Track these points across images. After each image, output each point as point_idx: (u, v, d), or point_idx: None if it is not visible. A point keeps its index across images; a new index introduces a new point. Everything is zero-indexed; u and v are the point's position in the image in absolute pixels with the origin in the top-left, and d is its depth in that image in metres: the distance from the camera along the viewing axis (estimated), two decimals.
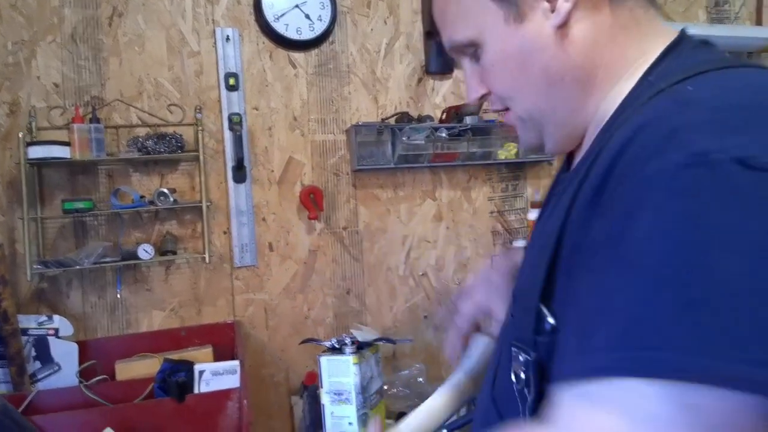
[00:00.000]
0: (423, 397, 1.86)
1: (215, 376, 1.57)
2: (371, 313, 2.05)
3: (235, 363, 1.58)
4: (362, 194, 2.03)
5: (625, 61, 0.63)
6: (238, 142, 1.81)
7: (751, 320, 0.37)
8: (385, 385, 1.86)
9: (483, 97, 0.74)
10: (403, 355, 2.07)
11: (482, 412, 0.70)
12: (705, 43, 0.63)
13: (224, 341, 1.76)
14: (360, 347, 1.55)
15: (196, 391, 1.55)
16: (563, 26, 0.63)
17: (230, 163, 1.85)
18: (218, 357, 1.69)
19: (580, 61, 0.64)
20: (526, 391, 0.58)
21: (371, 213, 2.04)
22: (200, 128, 1.79)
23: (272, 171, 1.93)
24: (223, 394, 1.50)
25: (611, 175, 0.48)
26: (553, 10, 0.63)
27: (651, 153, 0.45)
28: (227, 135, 1.85)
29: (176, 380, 1.52)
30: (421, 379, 1.94)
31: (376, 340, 1.63)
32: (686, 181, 0.42)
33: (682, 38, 0.63)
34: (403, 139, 1.92)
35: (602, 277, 0.45)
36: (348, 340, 1.54)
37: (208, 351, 1.70)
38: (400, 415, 1.70)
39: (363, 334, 1.64)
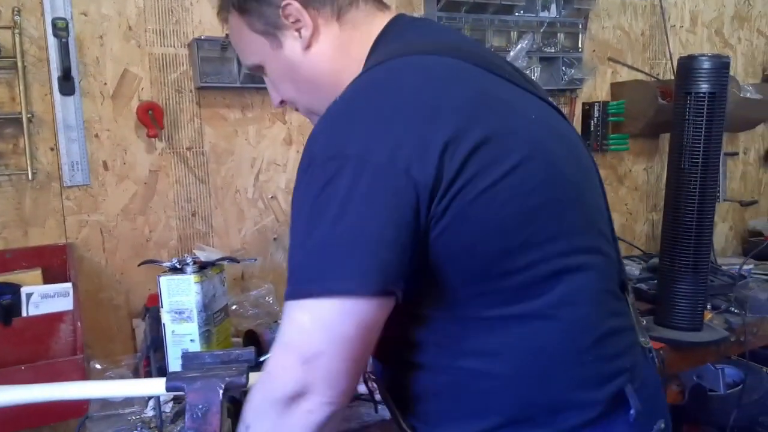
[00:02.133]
0: (271, 315, 1.92)
1: (45, 299, 1.50)
2: (219, 236, 2.03)
3: (67, 285, 1.51)
4: (207, 113, 1.96)
5: (358, 61, 0.85)
6: (64, 50, 1.66)
7: (312, 262, 0.71)
8: (234, 305, 1.88)
9: (282, 102, 1.00)
10: (252, 276, 2.09)
11: None
12: (399, 28, 0.89)
13: (55, 264, 1.66)
14: (203, 267, 1.55)
15: (24, 314, 1.47)
16: (309, 47, 0.88)
17: (56, 73, 1.69)
18: (50, 281, 1.60)
19: (327, 68, 0.88)
20: None
21: (218, 133, 1.99)
22: (18, 32, 1.61)
23: (105, 84, 1.79)
24: (55, 317, 1.44)
25: None
26: (300, 37, 0.88)
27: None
28: (51, 41, 1.68)
29: (1, 303, 1.43)
30: (269, 299, 1.98)
31: (219, 259, 1.63)
32: (300, 173, 0.74)
33: (378, 38, 0.87)
34: None
35: None
36: (190, 260, 1.54)
37: (36, 274, 1.60)
38: (248, 333, 1.74)
39: (206, 254, 1.64)
